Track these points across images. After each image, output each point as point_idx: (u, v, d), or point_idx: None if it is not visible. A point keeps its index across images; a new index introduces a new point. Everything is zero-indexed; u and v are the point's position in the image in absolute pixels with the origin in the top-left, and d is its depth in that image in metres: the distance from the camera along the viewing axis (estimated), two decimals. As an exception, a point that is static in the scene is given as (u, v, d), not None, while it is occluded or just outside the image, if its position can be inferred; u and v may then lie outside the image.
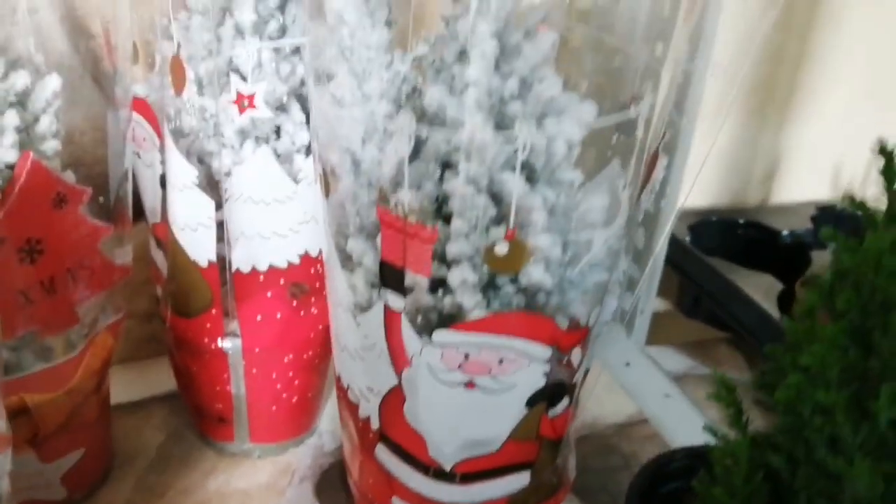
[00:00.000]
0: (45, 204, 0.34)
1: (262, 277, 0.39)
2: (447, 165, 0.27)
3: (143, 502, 0.43)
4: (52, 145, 0.36)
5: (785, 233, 0.69)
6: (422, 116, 0.27)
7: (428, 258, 0.25)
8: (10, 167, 0.34)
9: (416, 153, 0.27)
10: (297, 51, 0.38)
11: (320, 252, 0.39)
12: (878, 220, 0.24)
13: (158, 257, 0.42)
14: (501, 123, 0.26)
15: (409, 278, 0.26)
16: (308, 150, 0.38)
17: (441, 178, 0.27)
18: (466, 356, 0.26)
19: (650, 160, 0.27)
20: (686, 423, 0.52)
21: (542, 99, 0.26)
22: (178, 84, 0.35)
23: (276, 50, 0.37)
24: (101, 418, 0.42)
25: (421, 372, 0.27)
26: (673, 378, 0.59)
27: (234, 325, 0.41)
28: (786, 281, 0.61)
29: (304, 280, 0.40)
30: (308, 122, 0.38)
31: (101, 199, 0.36)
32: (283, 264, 0.39)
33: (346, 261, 0.28)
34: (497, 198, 0.26)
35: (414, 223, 0.25)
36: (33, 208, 0.34)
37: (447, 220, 0.27)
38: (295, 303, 0.40)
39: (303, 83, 0.38)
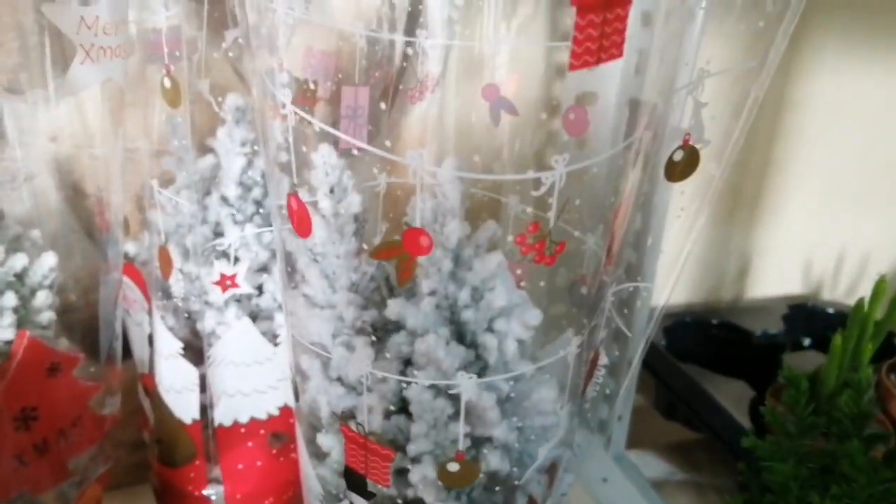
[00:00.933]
0: (40, 374, 0.37)
1: (243, 430, 0.41)
2: (408, 363, 0.30)
3: None
4: (47, 316, 0.38)
5: (758, 333, 0.71)
6: (384, 321, 0.29)
7: (386, 472, 0.27)
8: (8, 343, 0.36)
9: (379, 351, 0.29)
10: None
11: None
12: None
13: (146, 404, 0.44)
14: (456, 326, 0.29)
15: (371, 485, 0.28)
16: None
17: (403, 372, 0.30)
18: (426, 552, 0.28)
19: (592, 358, 0.30)
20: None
21: (493, 307, 0.29)
22: (166, 271, 0.37)
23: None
24: (89, 564, 0.43)
25: (386, 562, 0.29)
26: (653, 485, 0.61)
27: (216, 471, 0.43)
28: (757, 387, 0.63)
29: (284, 430, 0.42)
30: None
31: (91, 369, 0.38)
32: (263, 416, 0.41)
33: (316, 454, 0.30)
34: (454, 398, 0.29)
35: (373, 441, 0.27)
36: (29, 380, 0.36)
37: (410, 415, 0.29)
38: (275, 450, 0.42)
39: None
